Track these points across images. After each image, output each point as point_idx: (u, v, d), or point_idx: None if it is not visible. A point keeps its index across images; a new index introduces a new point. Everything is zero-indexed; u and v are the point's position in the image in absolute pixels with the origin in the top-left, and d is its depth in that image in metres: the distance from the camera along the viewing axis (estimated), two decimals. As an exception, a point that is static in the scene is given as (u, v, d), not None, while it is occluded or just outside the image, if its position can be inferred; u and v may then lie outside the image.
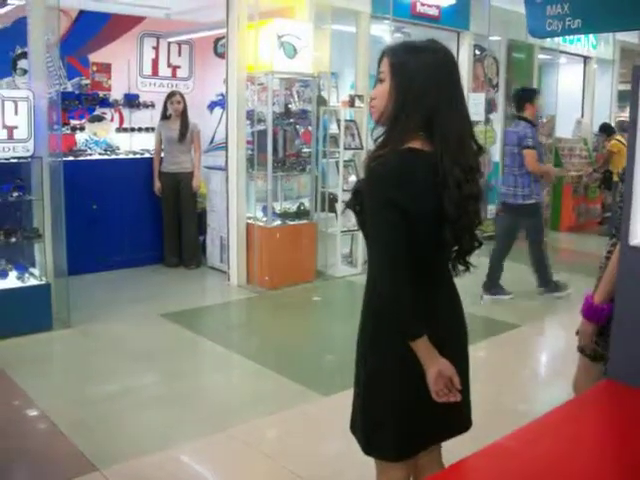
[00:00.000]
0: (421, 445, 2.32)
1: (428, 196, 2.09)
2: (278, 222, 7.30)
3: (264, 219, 7.24)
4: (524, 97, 7.02)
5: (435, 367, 2.10)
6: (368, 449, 2.34)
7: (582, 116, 12.82)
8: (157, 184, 7.92)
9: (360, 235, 7.50)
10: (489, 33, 9.65)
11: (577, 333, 2.99)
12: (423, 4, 8.66)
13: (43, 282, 5.67)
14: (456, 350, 2.25)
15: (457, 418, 2.33)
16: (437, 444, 2.40)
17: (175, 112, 7.86)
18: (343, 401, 4.01)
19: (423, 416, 2.22)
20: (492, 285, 6.89)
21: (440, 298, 2.28)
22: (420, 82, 2.12)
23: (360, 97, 7.74)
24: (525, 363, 5.52)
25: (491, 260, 6.91)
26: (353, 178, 7.61)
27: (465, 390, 2.25)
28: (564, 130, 12.10)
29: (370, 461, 2.38)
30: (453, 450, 2.32)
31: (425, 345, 2.10)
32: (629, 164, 2.00)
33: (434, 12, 8.85)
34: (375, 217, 2.14)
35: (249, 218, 7.29)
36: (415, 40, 2.26)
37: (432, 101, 2.12)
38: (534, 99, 6.96)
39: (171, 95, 7.95)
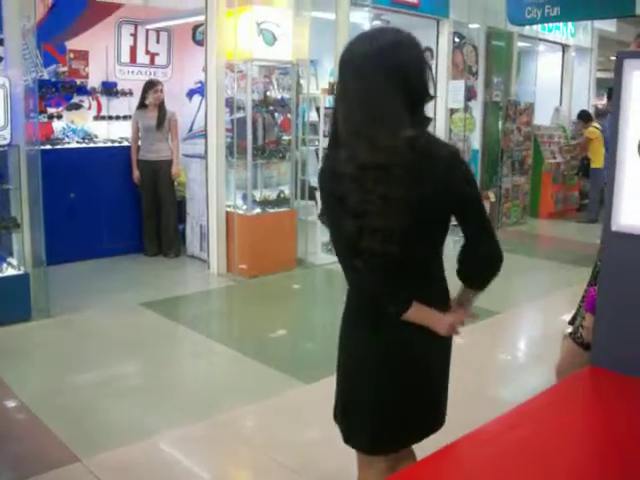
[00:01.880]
0: (399, 443, 2.30)
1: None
2: (258, 210, 7.28)
3: (244, 207, 7.21)
4: None
5: (441, 325, 2.14)
6: (346, 439, 2.34)
7: (560, 104, 12.89)
8: (136, 173, 7.85)
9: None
10: (468, 21, 9.68)
11: (570, 322, 3.00)
12: (404, -9, 8.65)
13: (21, 272, 5.61)
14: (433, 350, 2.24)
15: (437, 416, 2.33)
16: (417, 442, 2.36)
17: (156, 101, 7.78)
18: (325, 389, 4.01)
19: (401, 415, 2.21)
20: None
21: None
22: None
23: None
24: (504, 350, 5.55)
25: None
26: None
27: (445, 389, 2.30)
28: (543, 117, 12.16)
29: (353, 450, 2.38)
30: (434, 437, 2.33)
31: (417, 313, 2.11)
32: (611, 151, 2.01)
33: (415, -1, 8.85)
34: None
35: (229, 206, 7.26)
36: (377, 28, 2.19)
37: (337, 89, 2.16)
38: None
39: (154, 84, 7.84)
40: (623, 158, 1.97)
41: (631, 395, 1.98)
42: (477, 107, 10.57)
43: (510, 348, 5.67)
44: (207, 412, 4.11)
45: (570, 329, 3.03)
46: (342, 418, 2.34)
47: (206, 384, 4.66)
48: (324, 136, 7.52)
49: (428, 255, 2.18)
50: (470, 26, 9.91)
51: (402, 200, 1.95)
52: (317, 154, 7.66)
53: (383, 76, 1.98)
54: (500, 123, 10.63)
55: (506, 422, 1.84)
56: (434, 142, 2.09)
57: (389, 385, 2.18)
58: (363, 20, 8.80)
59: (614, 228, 2.03)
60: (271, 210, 7.39)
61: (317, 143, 7.61)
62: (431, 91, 2.11)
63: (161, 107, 7.81)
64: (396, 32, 2.08)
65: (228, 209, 7.26)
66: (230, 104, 7.13)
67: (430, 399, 2.24)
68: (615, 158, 1.99)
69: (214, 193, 7.20)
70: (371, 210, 1.96)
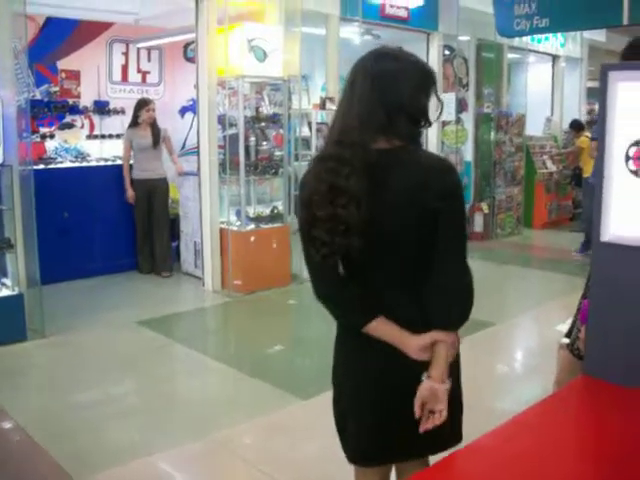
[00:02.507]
0: (389, 456, 2.27)
1: None
2: (252, 226, 7.28)
3: (237, 223, 7.22)
4: None
5: (410, 347, 2.07)
6: (344, 450, 2.34)
7: (552, 113, 12.95)
8: (130, 192, 7.80)
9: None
10: (458, 33, 9.74)
11: (566, 335, 3.00)
12: (392, 6, 8.69)
13: (16, 292, 5.60)
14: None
15: (437, 434, 2.11)
16: (415, 458, 2.29)
17: (149, 120, 7.76)
18: (321, 404, 4.01)
19: (387, 429, 2.18)
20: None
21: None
22: None
23: (331, 99, 7.75)
24: (501, 361, 5.55)
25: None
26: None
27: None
28: (534, 128, 12.22)
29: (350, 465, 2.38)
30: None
31: (384, 328, 2.08)
32: (599, 162, 2.02)
33: (403, 13, 8.89)
34: None
35: (222, 223, 7.27)
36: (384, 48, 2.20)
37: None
38: None
39: (147, 103, 7.82)
40: (610, 168, 1.99)
41: (623, 404, 1.99)
42: (469, 119, 10.61)
43: (506, 359, 5.67)
44: (204, 429, 4.10)
45: (566, 340, 3.03)
46: (338, 429, 2.34)
47: (203, 401, 4.64)
48: (316, 151, 7.54)
49: (412, 269, 2.13)
50: (460, 38, 9.97)
51: (354, 194, 1.98)
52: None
53: (374, 93, 2.04)
54: (492, 134, 10.66)
55: (501, 434, 1.84)
56: (425, 155, 2.12)
57: (375, 400, 2.18)
58: (353, 35, 8.85)
59: (603, 239, 2.04)
60: (265, 226, 7.40)
61: (309, 158, 7.62)
62: (430, 116, 2.13)
63: (154, 125, 7.80)
64: (401, 53, 2.12)
65: (222, 226, 7.26)
66: (222, 121, 7.15)
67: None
68: (603, 168, 2.00)
69: (207, 210, 7.21)
70: (316, 199, 2.01)
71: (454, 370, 2.19)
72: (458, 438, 2.24)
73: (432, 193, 2.02)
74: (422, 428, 2.04)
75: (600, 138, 2.01)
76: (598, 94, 2.04)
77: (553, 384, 3.04)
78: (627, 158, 1.95)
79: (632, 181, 1.97)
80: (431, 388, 2.03)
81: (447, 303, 2.07)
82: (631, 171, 1.95)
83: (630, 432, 1.83)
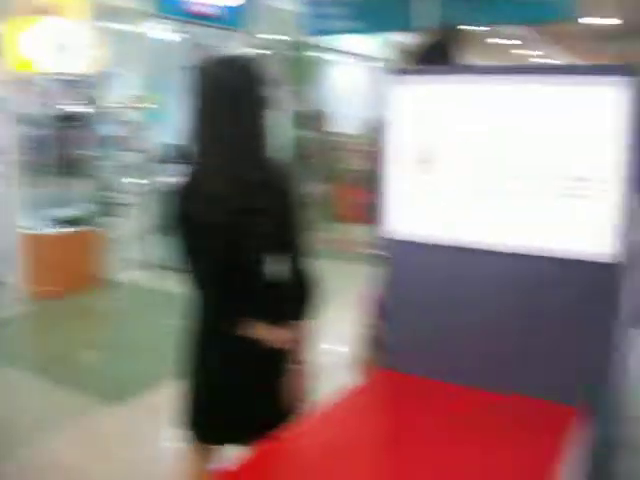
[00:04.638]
0: (207, 438, 2.42)
1: None
2: (57, 229, 7.02)
3: (42, 227, 6.93)
4: None
5: (277, 339, 2.28)
6: (203, 437, 2.45)
7: (359, 112, 13.36)
8: None
9: (143, 239, 7.49)
10: (267, 32, 9.87)
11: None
12: (202, 4, 8.64)
13: None
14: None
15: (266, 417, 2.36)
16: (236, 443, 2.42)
17: None
18: (137, 408, 3.95)
19: (213, 411, 2.37)
20: None
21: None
22: None
23: (140, 98, 7.62)
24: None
25: None
26: (132, 180, 7.54)
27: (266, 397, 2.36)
28: (343, 126, 12.55)
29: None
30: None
31: (254, 329, 2.24)
32: (381, 162, 2.12)
33: (212, 11, 8.86)
34: None
35: (25, 227, 6.93)
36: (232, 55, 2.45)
37: (201, 108, 2.29)
38: None
39: None
40: (391, 168, 2.10)
41: (420, 395, 2.10)
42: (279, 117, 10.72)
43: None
44: (13, 448, 3.90)
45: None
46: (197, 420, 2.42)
47: (9, 418, 4.39)
48: (125, 150, 7.41)
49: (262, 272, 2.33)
50: (270, 37, 10.08)
51: (274, 217, 2.20)
52: (117, 170, 7.53)
53: (258, 99, 2.19)
54: (302, 132, 10.85)
55: (299, 429, 1.89)
56: None
57: (220, 390, 2.35)
58: (163, 32, 8.71)
59: (390, 236, 2.15)
60: (71, 229, 7.15)
61: (119, 158, 7.47)
62: None
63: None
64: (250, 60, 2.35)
65: (24, 230, 6.91)
66: (23, 119, 6.81)
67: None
68: (385, 169, 2.11)
69: (8, 214, 6.83)
70: (252, 230, 2.17)
71: (284, 357, 2.37)
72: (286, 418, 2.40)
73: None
74: (298, 409, 2.37)
75: (384, 138, 2.11)
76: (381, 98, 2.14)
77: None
78: (409, 158, 2.07)
79: (414, 179, 2.08)
80: (297, 370, 2.36)
81: (297, 298, 2.35)
82: (414, 171, 2.07)
83: (424, 420, 1.94)
